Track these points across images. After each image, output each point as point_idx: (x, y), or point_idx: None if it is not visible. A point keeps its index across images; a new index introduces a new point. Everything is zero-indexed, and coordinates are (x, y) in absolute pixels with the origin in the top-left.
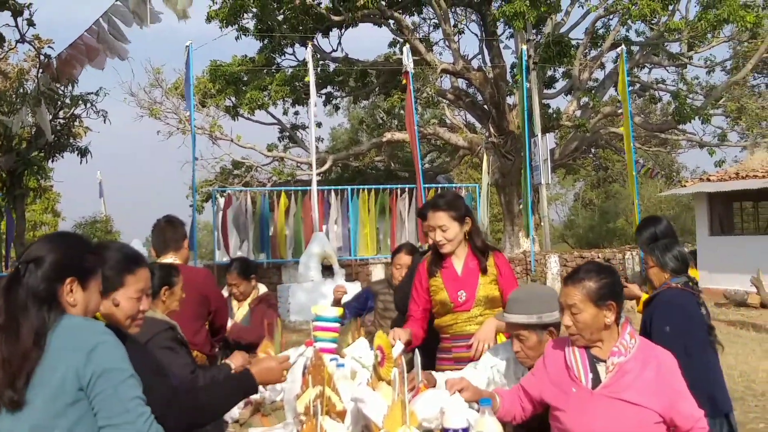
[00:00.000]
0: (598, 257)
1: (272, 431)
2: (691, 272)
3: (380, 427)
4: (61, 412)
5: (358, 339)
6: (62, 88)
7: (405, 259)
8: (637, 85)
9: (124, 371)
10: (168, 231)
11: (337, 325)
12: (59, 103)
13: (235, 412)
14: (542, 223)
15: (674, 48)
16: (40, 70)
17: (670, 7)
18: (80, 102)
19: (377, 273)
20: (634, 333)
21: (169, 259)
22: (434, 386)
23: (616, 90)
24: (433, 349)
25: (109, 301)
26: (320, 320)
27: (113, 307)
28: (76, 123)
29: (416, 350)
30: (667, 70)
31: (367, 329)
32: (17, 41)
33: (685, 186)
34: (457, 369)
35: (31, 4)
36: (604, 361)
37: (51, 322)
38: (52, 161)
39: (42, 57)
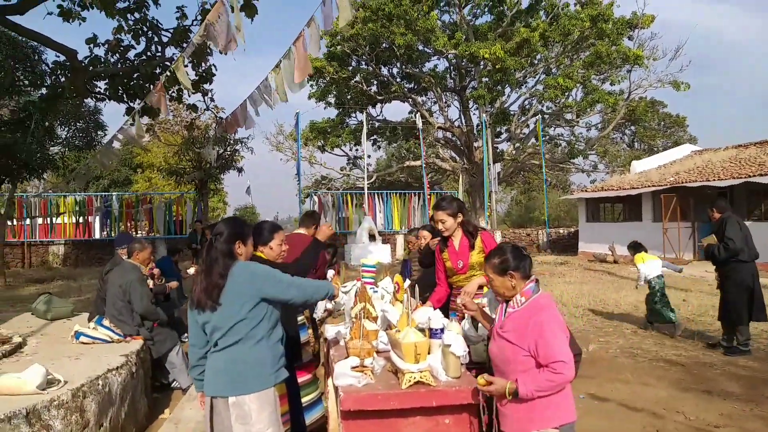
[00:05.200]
0: (525, 233)
1: (339, 327)
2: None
3: (395, 326)
4: (240, 306)
5: (385, 278)
6: (229, 135)
7: (424, 233)
8: (547, 137)
9: (272, 272)
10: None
11: (375, 269)
12: (227, 142)
13: (318, 314)
14: (492, 213)
15: (569, 116)
16: (216, 126)
17: (566, 94)
18: (239, 142)
19: (399, 240)
20: (528, 293)
21: (302, 230)
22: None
23: (535, 139)
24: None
25: (267, 248)
26: (365, 267)
27: (269, 251)
28: (236, 154)
29: (416, 285)
30: (564, 129)
31: (392, 272)
32: (204, 109)
33: (572, 194)
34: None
35: (213, 89)
36: None
37: (231, 265)
38: (223, 174)
39: (217, 118)
